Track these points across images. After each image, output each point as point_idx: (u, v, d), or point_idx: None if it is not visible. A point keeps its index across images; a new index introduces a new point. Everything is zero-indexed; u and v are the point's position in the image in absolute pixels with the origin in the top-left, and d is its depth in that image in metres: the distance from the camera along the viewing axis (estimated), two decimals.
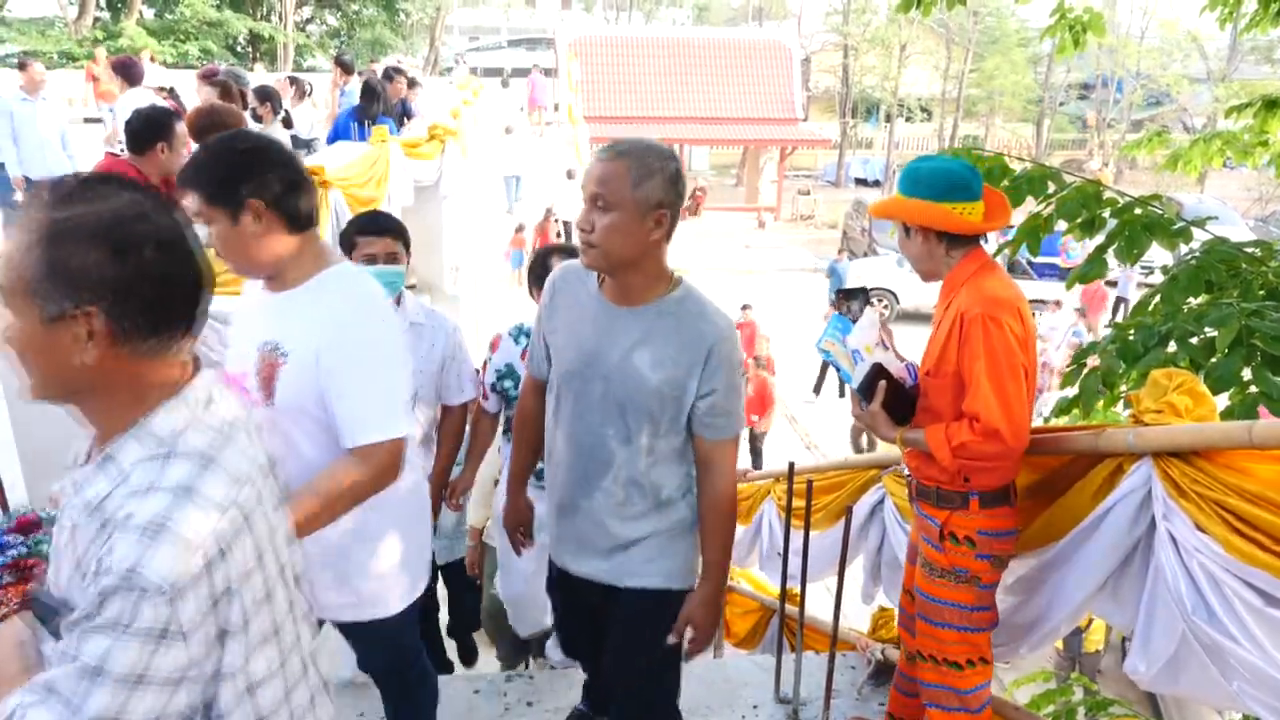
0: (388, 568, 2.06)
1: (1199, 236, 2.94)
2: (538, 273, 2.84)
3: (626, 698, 2.19)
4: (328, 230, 4.42)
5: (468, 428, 2.98)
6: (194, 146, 4.18)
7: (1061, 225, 3.02)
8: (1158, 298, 2.89)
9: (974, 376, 2.07)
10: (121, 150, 3.94)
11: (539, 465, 2.46)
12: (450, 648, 3.84)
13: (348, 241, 2.66)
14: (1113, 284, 14.51)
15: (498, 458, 3.15)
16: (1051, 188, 3.02)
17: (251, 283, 1.93)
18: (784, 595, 3.16)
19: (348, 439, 1.76)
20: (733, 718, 2.94)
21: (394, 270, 2.62)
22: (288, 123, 7.21)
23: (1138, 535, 2.09)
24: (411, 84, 9.19)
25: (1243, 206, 23.43)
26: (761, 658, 3.53)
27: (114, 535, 1.01)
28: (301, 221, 1.79)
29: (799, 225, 26.13)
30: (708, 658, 4.34)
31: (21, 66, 7.60)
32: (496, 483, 3.14)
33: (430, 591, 3.67)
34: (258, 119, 6.14)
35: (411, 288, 7.64)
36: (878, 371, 2.24)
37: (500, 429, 3.03)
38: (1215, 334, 2.48)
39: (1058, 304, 12.58)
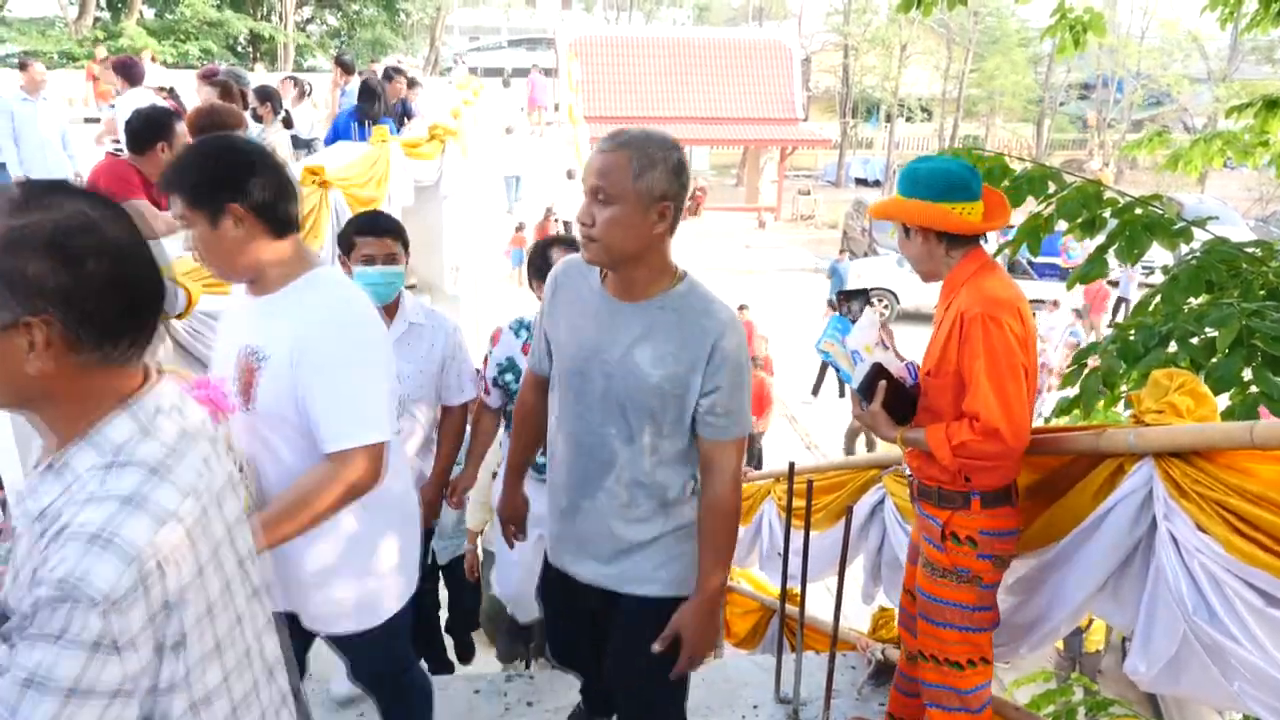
0: (372, 576, 2.01)
1: (1199, 236, 2.94)
2: (537, 265, 2.83)
3: (631, 705, 2.14)
4: (328, 230, 4.43)
5: (468, 427, 2.97)
6: None
7: (1062, 225, 3.02)
8: (1158, 298, 2.89)
9: (974, 376, 2.07)
10: (118, 149, 3.94)
11: (540, 459, 2.45)
12: (449, 647, 3.84)
13: (346, 242, 2.65)
14: (1114, 284, 14.51)
15: (498, 450, 3.14)
16: (1052, 188, 3.01)
17: (239, 286, 1.92)
18: (784, 595, 3.16)
19: (325, 444, 1.74)
20: (733, 718, 2.94)
21: (393, 271, 2.61)
22: (288, 123, 7.20)
23: (1139, 535, 2.09)
24: (411, 84, 9.19)
25: (1243, 207, 23.43)
26: (761, 658, 3.53)
27: (53, 544, 1.00)
28: (283, 227, 1.78)
29: (799, 225, 26.13)
30: (707, 657, 4.34)
31: (22, 66, 7.61)
32: (495, 474, 3.12)
33: (431, 591, 3.68)
34: (258, 119, 6.14)
35: (411, 288, 7.65)
36: (878, 371, 2.24)
37: (502, 425, 3.03)
38: (1216, 334, 2.48)
39: (1055, 304, 12.59)
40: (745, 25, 40.07)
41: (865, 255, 18.08)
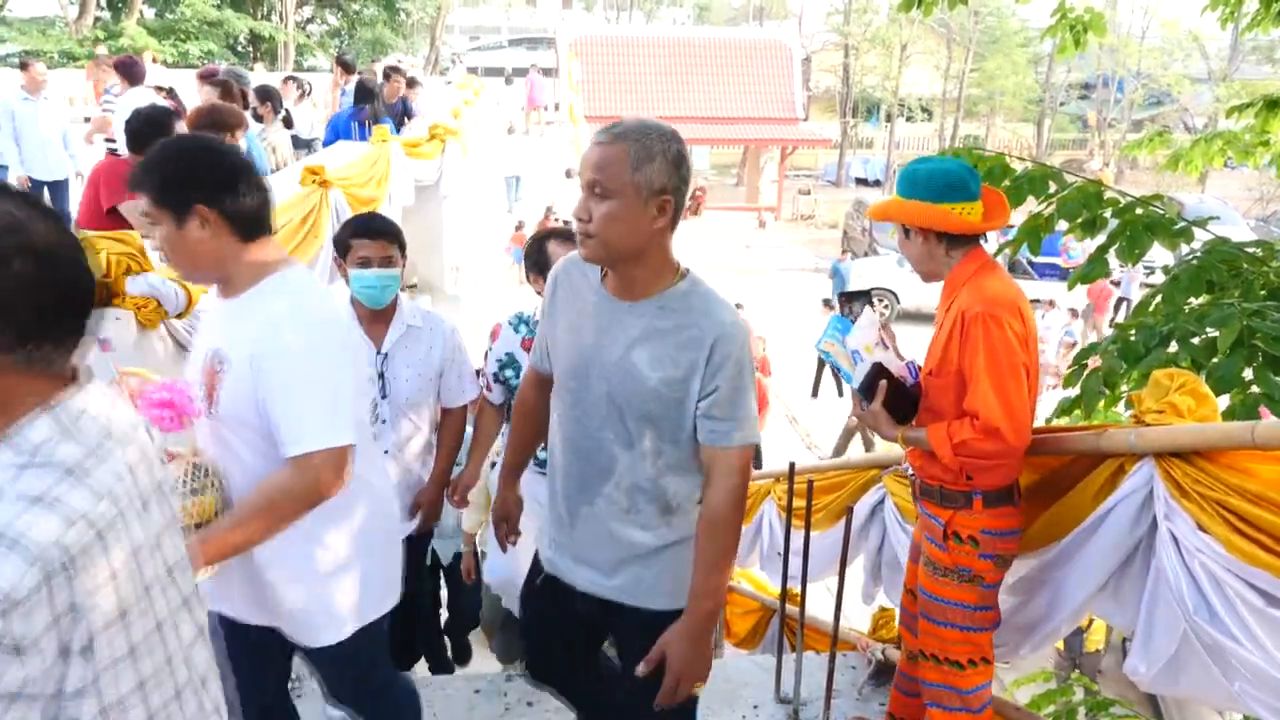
0: (347, 584, 1.93)
1: (1200, 236, 2.94)
2: (535, 258, 2.82)
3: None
4: (328, 230, 4.43)
5: (470, 427, 2.97)
6: None
7: (1062, 225, 3.02)
8: (1159, 298, 2.89)
9: (974, 375, 2.07)
10: (113, 147, 3.94)
11: (541, 454, 2.43)
12: (448, 647, 3.83)
13: (342, 245, 2.64)
14: (1116, 284, 14.51)
15: (499, 442, 3.13)
16: (1052, 187, 3.01)
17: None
18: (784, 595, 3.16)
19: (285, 448, 1.69)
20: (733, 718, 2.94)
21: (389, 274, 2.60)
22: (288, 122, 7.21)
23: (1139, 535, 2.09)
24: (412, 84, 9.19)
25: (1244, 206, 23.43)
26: (762, 658, 3.53)
27: None
28: (252, 229, 1.75)
29: (799, 225, 26.14)
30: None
31: (23, 66, 7.62)
32: (494, 465, 3.10)
33: (433, 591, 3.68)
34: (259, 119, 6.14)
35: (412, 287, 7.65)
36: (878, 371, 2.24)
37: (505, 421, 3.01)
38: (1217, 334, 2.48)
39: (1051, 303, 12.59)
40: (745, 25, 40.08)
41: (865, 255, 18.09)
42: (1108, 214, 2.96)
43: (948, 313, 2.18)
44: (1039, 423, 2.25)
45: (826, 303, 12.81)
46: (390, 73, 8.67)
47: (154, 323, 2.72)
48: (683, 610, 1.80)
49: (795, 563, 3.09)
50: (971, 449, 2.07)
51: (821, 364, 12.21)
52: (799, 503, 2.96)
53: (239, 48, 26.82)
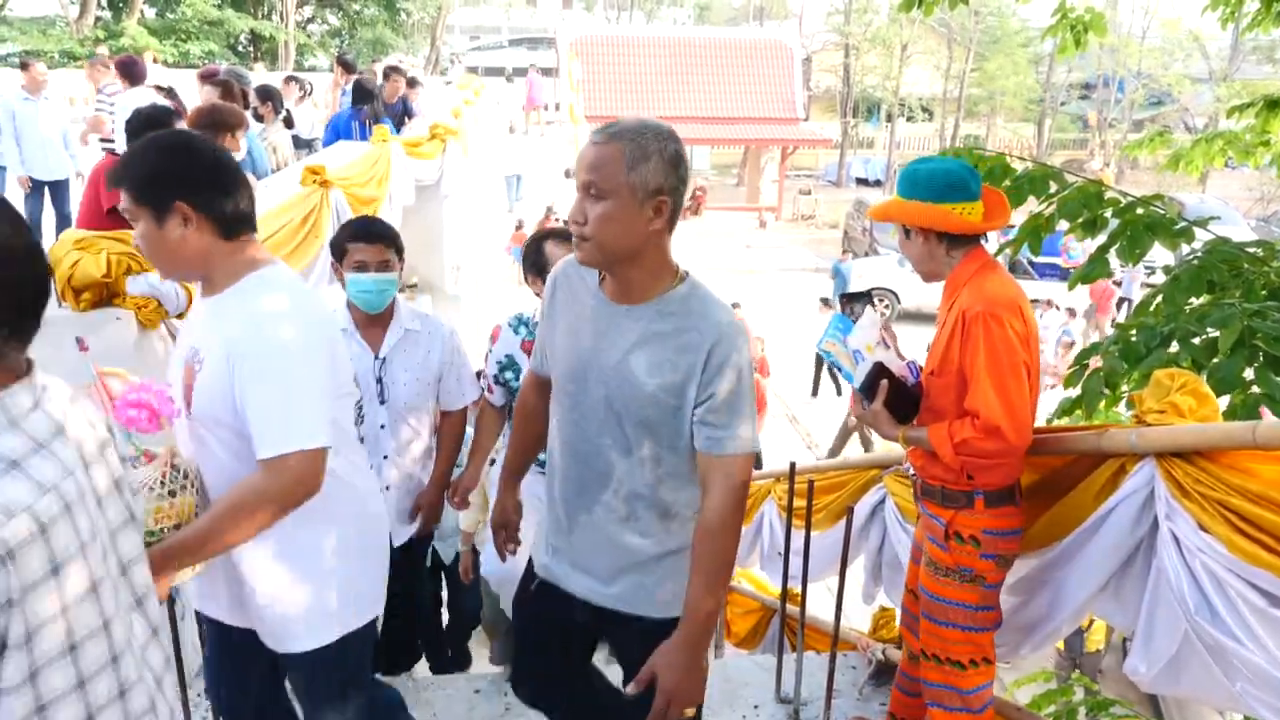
0: (325, 590, 1.87)
1: (1201, 236, 2.94)
2: (533, 259, 2.80)
3: None
4: (328, 230, 4.43)
5: (470, 428, 2.96)
6: None
7: (1063, 225, 3.02)
8: (1160, 298, 2.89)
9: (975, 374, 2.07)
10: (110, 147, 3.94)
11: (543, 456, 2.41)
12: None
13: (339, 249, 2.62)
14: (1118, 284, 14.51)
15: (499, 440, 3.12)
16: (1053, 187, 3.01)
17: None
18: (785, 595, 3.16)
19: (258, 450, 1.65)
20: (733, 718, 2.94)
21: (386, 278, 2.58)
22: (289, 122, 7.21)
23: (1140, 535, 2.09)
24: (412, 83, 9.20)
25: (1244, 206, 23.43)
26: (762, 658, 3.53)
27: None
28: (233, 227, 1.72)
29: (800, 225, 26.13)
30: (708, 657, 4.34)
31: (23, 66, 7.63)
32: (494, 462, 3.09)
33: (434, 592, 3.67)
34: (259, 118, 6.14)
35: (413, 287, 7.64)
36: (879, 370, 2.24)
37: (507, 423, 2.99)
38: (1218, 334, 2.48)
39: (1049, 303, 12.59)
40: (746, 25, 40.08)
41: (866, 255, 18.09)
42: (1108, 214, 2.96)
43: (949, 312, 2.18)
44: (1039, 422, 2.25)
45: (824, 301, 12.82)
46: (390, 72, 8.67)
47: (154, 323, 2.72)
48: (677, 619, 1.73)
49: (795, 562, 3.09)
50: (972, 448, 2.07)
51: (820, 364, 12.22)
52: (799, 503, 2.95)
53: (239, 47, 26.83)
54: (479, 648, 3.98)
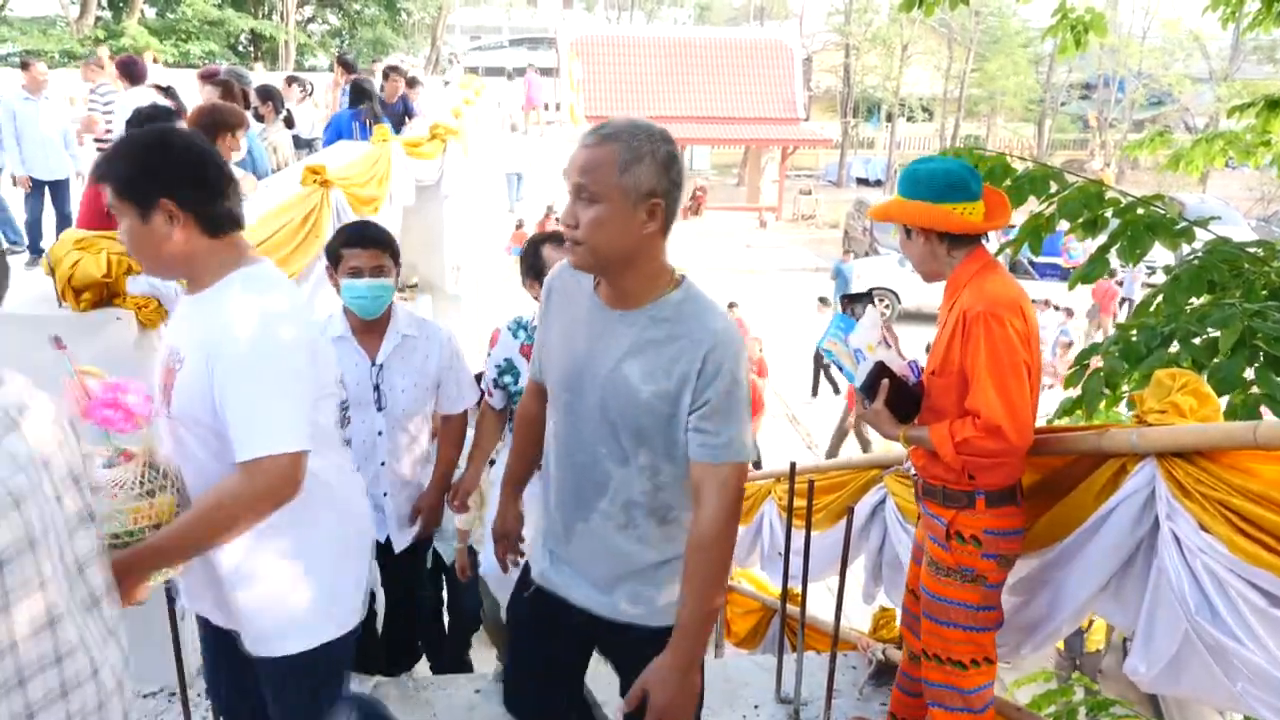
0: (303, 596, 1.83)
1: (1201, 236, 2.94)
2: (530, 263, 2.78)
3: None
4: (329, 230, 4.43)
5: (470, 431, 2.94)
6: None
7: (1063, 225, 3.02)
8: (1160, 298, 2.89)
9: (976, 374, 2.07)
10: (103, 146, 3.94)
11: None
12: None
13: (334, 254, 2.58)
14: (1119, 283, 14.51)
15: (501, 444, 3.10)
16: (1053, 187, 3.01)
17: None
18: (785, 595, 3.16)
19: (236, 453, 1.62)
20: (733, 717, 2.94)
21: (381, 284, 2.54)
22: (289, 122, 7.21)
23: (1141, 535, 2.09)
24: (412, 83, 9.19)
25: (1245, 206, 23.43)
26: (762, 658, 3.53)
27: None
28: (218, 225, 1.70)
29: (800, 225, 26.13)
30: (709, 657, 4.34)
31: (24, 66, 7.63)
32: (493, 462, 3.08)
33: (434, 594, 3.67)
34: (260, 118, 6.14)
35: (413, 286, 7.62)
36: (880, 370, 2.24)
37: (507, 426, 2.97)
38: (1218, 334, 2.48)
39: (1045, 303, 12.59)
40: (746, 25, 40.06)
41: (866, 255, 18.10)
42: (1109, 214, 2.96)
43: (950, 312, 2.18)
44: (1040, 423, 2.25)
45: (822, 300, 12.81)
46: (389, 72, 8.67)
47: (154, 322, 2.71)
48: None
49: (796, 562, 3.09)
50: (973, 447, 2.07)
51: (819, 364, 12.22)
52: (799, 503, 2.95)
53: (240, 47, 26.82)
54: (485, 649, 3.97)
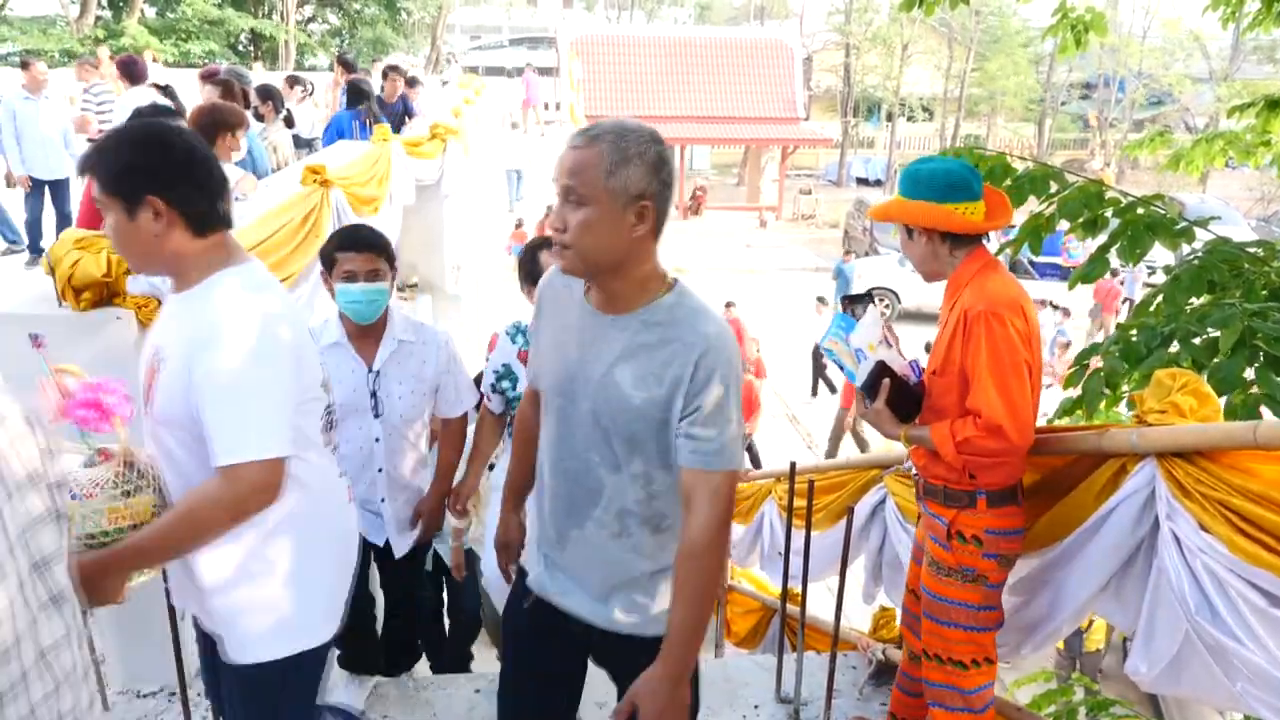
0: (268, 605, 1.78)
1: (1201, 236, 2.94)
2: (528, 268, 2.75)
3: None
4: (329, 229, 4.42)
5: (470, 434, 2.93)
6: None
7: (1064, 225, 3.02)
8: (1160, 298, 2.89)
9: (977, 373, 2.07)
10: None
11: None
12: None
13: (328, 258, 2.55)
14: (1120, 283, 14.51)
15: (500, 449, 3.10)
16: (1054, 187, 3.01)
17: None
18: (785, 595, 3.16)
19: (215, 457, 1.60)
20: (734, 717, 2.94)
21: (375, 288, 2.50)
22: (290, 121, 7.21)
23: (1141, 535, 2.09)
24: (412, 83, 9.19)
25: (1245, 206, 23.44)
26: (762, 657, 3.53)
27: None
28: (206, 224, 1.67)
29: (800, 225, 26.14)
30: (709, 657, 4.35)
31: (24, 66, 7.64)
32: (493, 466, 3.07)
33: (435, 595, 3.67)
34: (260, 118, 6.14)
35: (413, 286, 7.60)
36: (881, 369, 2.23)
37: (506, 429, 2.97)
38: (1218, 334, 2.48)
39: (1042, 303, 12.59)
40: (747, 24, 40.08)
41: (866, 255, 18.11)
42: (1109, 214, 2.96)
43: (951, 312, 2.18)
44: (1040, 422, 2.25)
45: (820, 300, 12.82)
46: (389, 72, 8.67)
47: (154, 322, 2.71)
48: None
49: (796, 562, 3.09)
50: (974, 447, 2.07)
51: (818, 363, 12.22)
52: (800, 503, 2.95)
53: (240, 47, 26.83)
54: (486, 649, 3.98)
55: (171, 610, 2.28)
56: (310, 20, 30.20)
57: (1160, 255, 5.40)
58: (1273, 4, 3.81)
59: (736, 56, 26.76)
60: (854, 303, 2.32)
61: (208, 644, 1.97)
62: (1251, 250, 2.97)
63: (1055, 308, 12.56)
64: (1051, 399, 3.18)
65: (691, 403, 1.60)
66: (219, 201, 1.71)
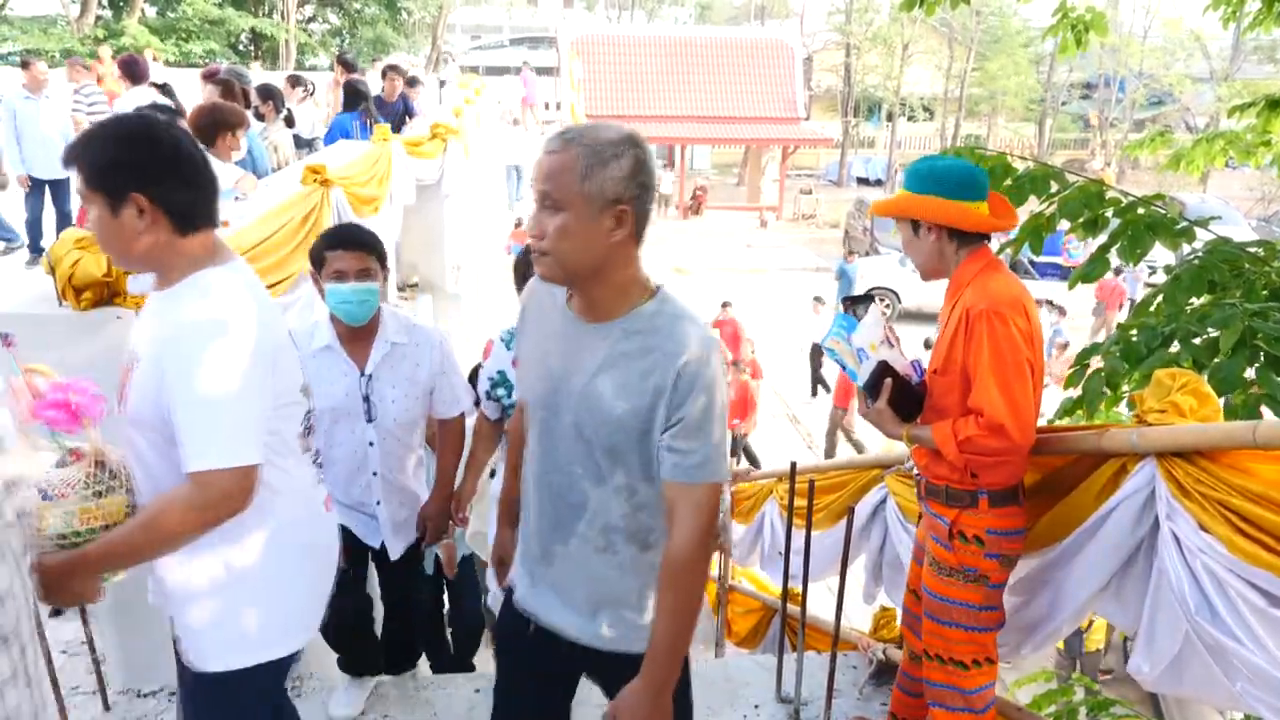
0: (231, 613, 1.74)
1: (1202, 236, 2.94)
2: (522, 273, 2.65)
3: None
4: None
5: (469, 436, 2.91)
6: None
7: (1064, 225, 3.02)
8: (1160, 298, 2.89)
9: (979, 372, 2.07)
10: None
11: None
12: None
13: (317, 257, 2.48)
14: (1123, 280, 14.50)
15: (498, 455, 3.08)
16: (1054, 187, 3.01)
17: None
18: (785, 595, 3.16)
19: (184, 462, 1.56)
20: (734, 717, 2.94)
21: (366, 288, 2.44)
22: (290, 121, 7.21)
23: (1141, 535, 2.09)
24: (412, 83, 9.19)
25: (1245, 206, 23.44)
26: (763, 657, 3.53)
27: None
28: (191, 222, 1.64)
29: (801, 224, 26.15)
30: (709, 657, 4.35)
31: (24, 65, 7.64)
32: (493, 473, 3.06)
33: (435, 595, 3.67)
34: (260, 117, 6.14)
35: (414, 286, 7.60)
36: (883, 369, 2.23)
37: (503, 437, 2.92)
38: (1218, 334, 2.48)
39: (1039, 302, 12.55)
40: (747, 24, 40.06)
41: (867, 255, 18.12)
42: (1109, 213, 2.96)
43: (953, 311, 2.18)
44: (1040, 423, 2.25)
45: (818, 300, 12.82)
46: (388, 71, 8.67)
47: None
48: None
49: (796, 562, 3.09)
50: (976, 446, 2.07)
51: (816, 363, 12.22)
52: (800, 502, 2.95)
53: (240, 46, 26.83)
54: (487, 649, 3.97)
55: None
56: (311, 20, 30.20)
57: (1161, 255, 5.40)
58: (1273, 4, 3.81)
59: (737, 56, 26.76)
60: (855, 303, 2.32)
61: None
62: (1252, 250, 2.97)
63: (1052, 307, 12.54)
64: (1050, 399, 3.18)
65: (674, 414, 1.56)
66: (207, 200, 1.68)
